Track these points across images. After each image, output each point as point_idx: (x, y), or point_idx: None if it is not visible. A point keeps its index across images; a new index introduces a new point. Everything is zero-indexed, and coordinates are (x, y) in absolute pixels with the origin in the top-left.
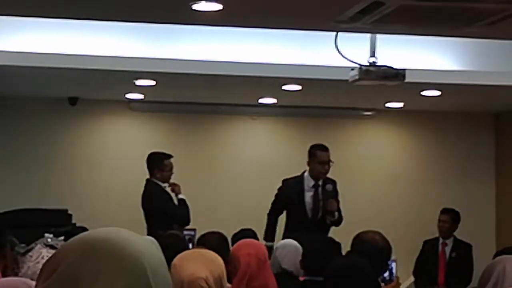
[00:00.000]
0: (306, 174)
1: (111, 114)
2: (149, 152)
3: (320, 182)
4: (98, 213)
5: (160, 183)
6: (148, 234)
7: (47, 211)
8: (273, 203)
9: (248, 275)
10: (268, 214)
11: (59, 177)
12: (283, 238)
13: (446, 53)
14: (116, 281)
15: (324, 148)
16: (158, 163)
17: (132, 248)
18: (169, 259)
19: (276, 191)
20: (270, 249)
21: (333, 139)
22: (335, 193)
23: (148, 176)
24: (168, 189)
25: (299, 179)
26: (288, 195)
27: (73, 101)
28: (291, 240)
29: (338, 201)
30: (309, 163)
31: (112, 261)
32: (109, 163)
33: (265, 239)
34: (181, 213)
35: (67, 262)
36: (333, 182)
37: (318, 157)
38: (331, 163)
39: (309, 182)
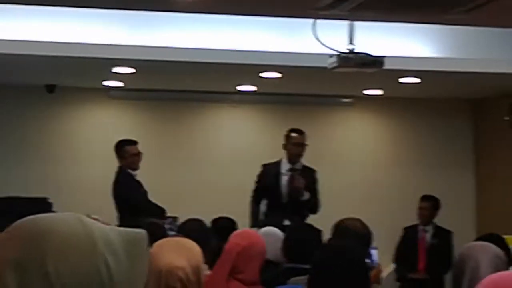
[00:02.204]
0: (283, 159)
1: (90, 101)
2: None
3: (299, 167)
4: (78, 202)
5: (130, 171)
6: (119, 223)
7: (26, 199)
8: (254, 190)
9: (229, 265)
10: (251, 202)
11: (39, 165)
12: (261, 224)
13: (424, 40)
14: (64, 260)
15: (299, 131)
16: (119, 150)
17: (79, 227)
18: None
19: (256, 178)
20: None
21: (312, 126)
22: (312, 181)
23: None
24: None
25: (277, 163)
26: (266, 179)
27: (50, 88)
28: (271, 228)
29: (315, 190)
30: (285, 147)
31: (57, 241)
32: (88, 151)
33: (253, 226)
34: (149, 203)
35: (14, 250)
36: (312, 171)
37: (293, 138)
38: (305, 146)
39: (285, 166)
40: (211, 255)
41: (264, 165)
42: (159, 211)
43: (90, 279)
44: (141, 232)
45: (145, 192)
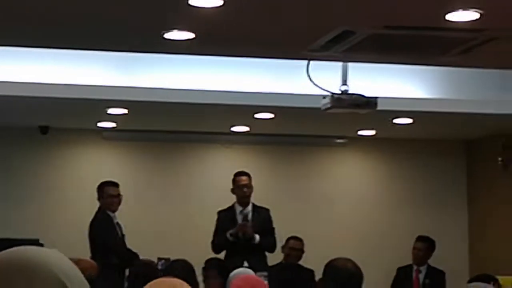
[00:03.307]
0: (235, 203)
1: (84, 143)
2: (122, 181)
3: (250, 208)
4: (69, 243)
5: (109, 212)
6: None
7: (18, 240)
8: (214, 234)
9: None
10: (212, 242)
11: (31, 207)
12: (226, 265)
13: (417, 81)
14: None
15: (243, 173)
16: (99, 190)
17: (41, 258)
18: None
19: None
20: None
21: (305, 167)
22: (267, 221)
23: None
24: (119, 221)
25: (230, 208)
26: (223, 225)
27: (44, 130)
28: (245, 269)
29: (270, 229)
30: (232, 191)
31: (25, 273)
32: (81, 192)
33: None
34: (121, 246)
35: None
36: (266, 210)
37: (237, 181)
38: (251, 188)
39: (238, 209)
40: None
41: (219, 212)
42: (131, 256)
43: None
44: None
45: (121, 236)
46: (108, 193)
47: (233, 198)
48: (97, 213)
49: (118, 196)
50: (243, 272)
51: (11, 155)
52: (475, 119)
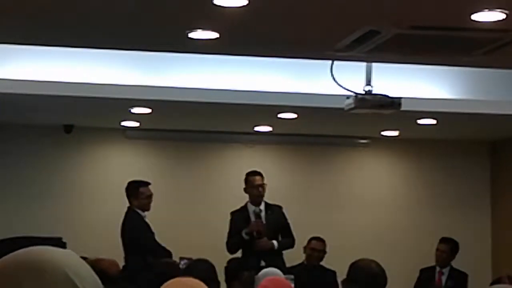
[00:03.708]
0: (248, 202)
1: (107, 142)
2: (145, 180)
3: (263, 207)
4: (92, 242)
5: (140, 211)
6: (125, 264)
7: (41, 239)
8: (228, 235)
9: None
10: (226, 243)
11: (54, 205)
12: (241, 265)
13: (441, 81)
14: None
15: (257, 173)
16: (134, 191)
17: (51, 257)
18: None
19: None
20: None
21: (328, 167)
22: (282, 218)
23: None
24: (147, 219)
25: (243, 208)
26: (236, 226)
27: (68, 128)
28: (272, 269)
29: (286, 225)
30: (245, 190)
31: (32, 272)
32: (104, 191)
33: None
34: (156, 245)
35: None
36: (279, 207)
37: (252, 181)
38: (264, 186)
39: (251, 208)
40: None
41: (232, 213)
42: (166, 254)
43: None
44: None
45: (153, 234)
46: (146, 194)
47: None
48: (128, 213)
49: (151, 195)
50: (271, 273)
51: (35, 153)
52: (499, 120)
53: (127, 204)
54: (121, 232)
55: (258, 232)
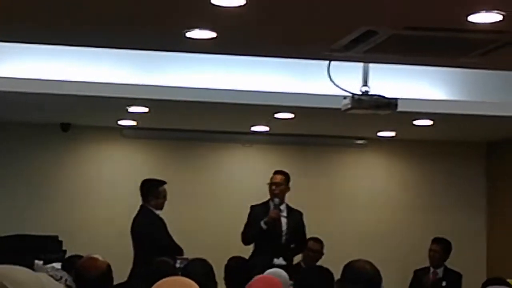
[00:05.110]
0: (270, 199)
1: (104, 140)
2: (141, 179)
3: (283, 208)
4: (89, 240)
5: (154, 210)
6: (135, 261)
7: (37, 237)
8: (245, 226)
9: None
10: (242, 233)
11: (51, 203)
12: (252, 264)
13: (438, 82)
14: None
15: (278, 172)
16: (153, 190)
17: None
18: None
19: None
20: None
21: (325, 167)
22: (301, 224)
23: (141, 203)
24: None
25: (264, 203)
26: (255, 218)
27: (65, 127)
28: (277, 269)
29: (305, 233)
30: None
31: None
32: (101, 189)
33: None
34: (172, 243)
35: None
36: (299, 213)
37: (271, 179)
38: (281, 186)
39: (272, 203)
40: None
41: (252, 206)
42: (178, 252)
43: None
44: None
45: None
46: (164, 193)
47: (249, 198)
48: (144, 212)
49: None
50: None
51: (32, 152)
52: (495, 121)
53: (123, 202)
54: (136, 229)
55: (273, 219)
